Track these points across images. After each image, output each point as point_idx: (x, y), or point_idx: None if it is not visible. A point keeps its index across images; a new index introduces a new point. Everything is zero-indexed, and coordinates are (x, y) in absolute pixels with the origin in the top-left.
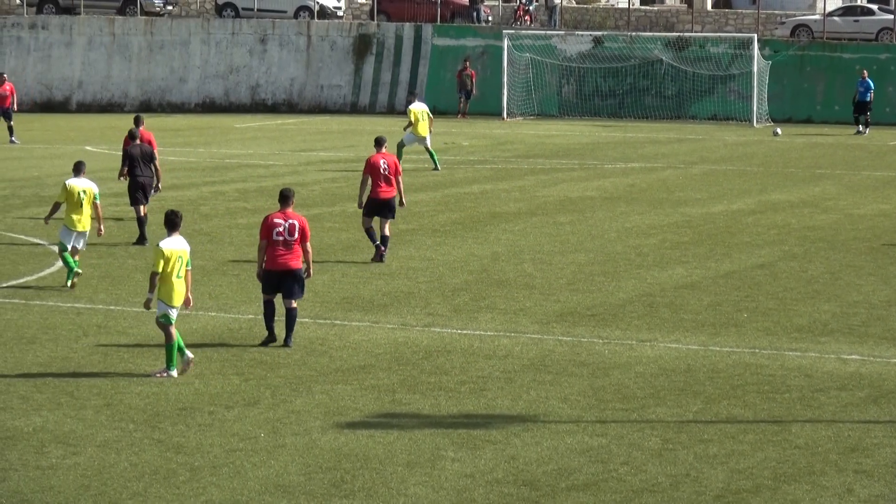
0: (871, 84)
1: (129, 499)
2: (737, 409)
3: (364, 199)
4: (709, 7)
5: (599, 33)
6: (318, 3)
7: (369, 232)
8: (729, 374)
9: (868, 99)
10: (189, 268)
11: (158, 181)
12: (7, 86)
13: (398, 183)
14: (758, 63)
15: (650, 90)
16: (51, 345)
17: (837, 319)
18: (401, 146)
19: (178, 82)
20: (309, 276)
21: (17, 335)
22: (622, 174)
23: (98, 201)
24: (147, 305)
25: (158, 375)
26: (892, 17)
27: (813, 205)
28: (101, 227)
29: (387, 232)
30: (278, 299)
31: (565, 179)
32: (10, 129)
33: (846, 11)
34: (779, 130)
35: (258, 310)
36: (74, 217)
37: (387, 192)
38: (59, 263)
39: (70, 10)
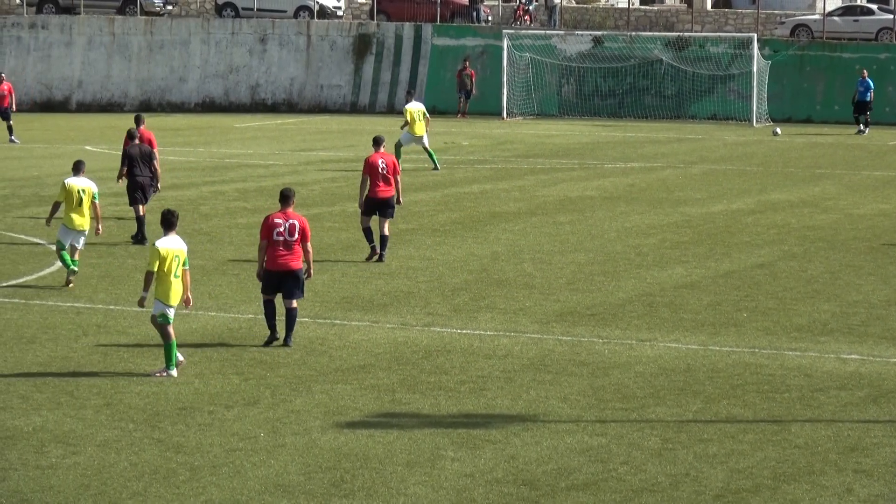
0: (871, 84)
1: (128, 498)
2: (737, 409)
3: (368, 199)
4: (708, 7)
5: (599, 33)
6: (317, 2)
7: (367, 232)
8: (729, 374)
9: (868, 99)
10: (186, 267)
11: (157, 181)
12: (5, 85)
13: (396, 182)
14: (757, 63)
15: (650, 90)
16: (51, 344)
17: (837, 319)
18: (398, 146)
19: (178, 82)
20: (309, 276)
21: (17, 335)
22: (622, 174)
23: (97, 201)
24: (141, 303)
25: (158, 375)
26: (891, 16)
27: (813, 204)
28: (100, 226)
29: (386, 231)
30: (278, 299)
31: (565, 179)
32: (10, 128)
33: (846, 11)
34: (778, 130)
35: (258, 310)
36: (73, 216)
37: (385, 191)
38: (59, 263)
39: (70, 10)
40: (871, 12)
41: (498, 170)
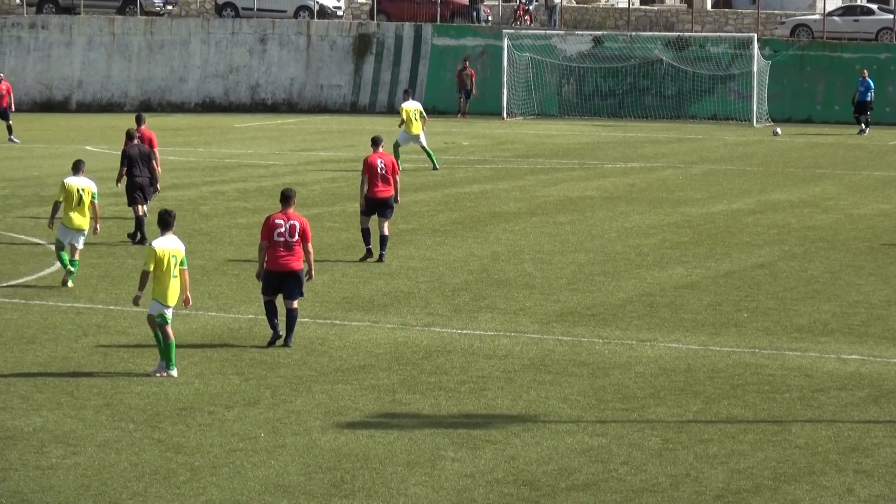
0: (872, 84)
1: (129, 499)
2: (737, 409)
3: (367, 199)
4: (709, 7)
5: (599, 33)
6: (317, 2)
7: (365, 233)
8: (729, 374)
9: (868, 99)
10: (184, 267)
11: (157, 182)
12: (3, 85)
13: (395, 182)
14: (758, 63)
15: (650, 90)
16: (51, 345)
17: (837, 319)
18: (397, 146)
19: (178, 82)
20: (311, 278)
21: (17, 335)
22: (622, 174)
23: (96, 200)
24: (135, 302)
25: (158, 375)
26: (891, 16)
27: (813, 205)
28: (98, 225)
29: (386, 231)
30: (279, 300)
31: (565, 179)
32: (10, 128)
33: (846, 11)
34: (779, 130)
35: (258, 310)
36: (72, 215)
37: (384, 191)
38: (59, 264)
39: (70, 10)
40: (871, 12)
41: (498, 170)
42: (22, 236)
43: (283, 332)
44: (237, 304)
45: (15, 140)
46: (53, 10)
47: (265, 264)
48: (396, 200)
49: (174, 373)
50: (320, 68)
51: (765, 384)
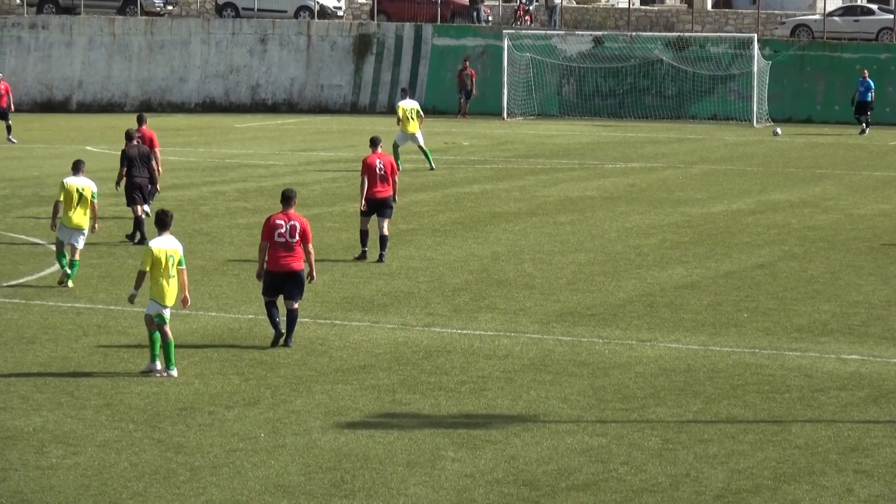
0: (872, 84)
1: (129, 499)
2: (737, 409)
3: (365, 200)
4: (709, 7)
5: (599, 33)
6: (318, 3)
7: (363, 234)
8: (729, 374)
9: (869, 99)
10: (182, 267)
11: (157, 181)
12: (2, 85)
13: (394, 182)
14: (758, 63)
15: (650, 90)
16: (51, 345)
17: (837, 319)
18: (396, 147)
19: (179, 82)
20: (313, 279)
21: (17, 335)
22: (622, 174)
23: (95, 200)
24: (130, 300)
25: (158, 375)
26: (892, 16)
27: (813, 205)
28: (96, 224)
29: (385, 231)
30: (279, 300)
31: (565, 179)
32: (9, 128)
33: (846, 11)
34: (779, 130)
35: (258, 310)
36: (71, 215)
37: (382, 191)
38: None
39: (70, 10)
40: (871, 12)
41: (498, 170)
42: (22, 236)
43: (283, 331)
44: (237, 304)
45: (12, 140)
46: (54, 10)
47: (266, 265)
48: (394, 200)
49: (174, 372)
50: (321, 68)
51: (765, 384)
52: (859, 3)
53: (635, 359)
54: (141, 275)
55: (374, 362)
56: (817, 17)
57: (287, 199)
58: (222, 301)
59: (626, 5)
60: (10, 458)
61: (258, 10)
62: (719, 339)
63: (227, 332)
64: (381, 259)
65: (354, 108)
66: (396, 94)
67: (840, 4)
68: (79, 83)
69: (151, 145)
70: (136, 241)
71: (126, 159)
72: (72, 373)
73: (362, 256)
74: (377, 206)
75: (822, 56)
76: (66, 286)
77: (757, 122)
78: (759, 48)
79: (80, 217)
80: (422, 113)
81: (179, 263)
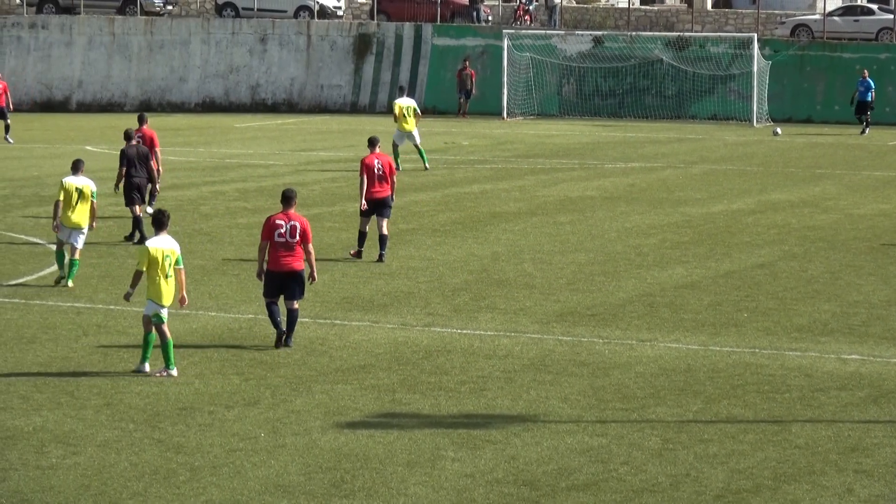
0: (872, 84)
1: (129, 499)
2: (737, 409)
3: (364, 200)
4: (709, 7)
5: (599, 33)
6: (318, 2)
7: (362, 235)
8: (729, 374)
9: (869, 99)
10: (180, 266)
11: (156, 181)
12: (0, 84)
13: (392, 182)
14: (758, 63)
15: (650, 90)
16: (51, 344)
17: (837, 319)
18: (395, 147)
19: (178, 82)
20: (314, 280)
21: (17, 335)
22: (622, 174)
23: (95, 199)
24: (126, 298)
25: (158, 375)
26: (892, 16)
27: (813, 204)
28: (94, 222)
29: (385, 231)
30: (280, 301)
31: (565, 179)
32: (7, 127)
33: (846, 11)
34: (779, 130)
35: (258, 310)
36: (70, 214)
37: (381, 191)
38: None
39: (70, 10)
40: (871, 12)
41: (498, 170)
42: (22, 236)
43: (284, 329)
44: (237, 304)
45: (9, 140)
46: (53, 10)
47: (267, 265)
48: (392, 200)
49: (174, 372)
50: (320, 68)
51: (765, 384)
52: (859, 3)
53: (635, 359)
54: (137, 274)
55: (374, 362)
56: (817, 16)
57: (287, 199)
58: (222, 301)
59: (626, 5)
60: (10, 458)
61: (258, 9)
62: (719, 339)
63: (227, 332)
64: (380, 259)
65: (354, 108)
66: (396, 94)
67: (840, 4)
68: (79, 83)
69: (152, 145)
70: (135, 240)
71: (125, 159)
72: (72, 373)
73: (357, 254)
74: (376, 206)
75: (822, 56)
76: (67, 286)
77: (757, 121)
78: (759, 48)
79: (80, 216)
80: (418, 111)
81: (177, 263)
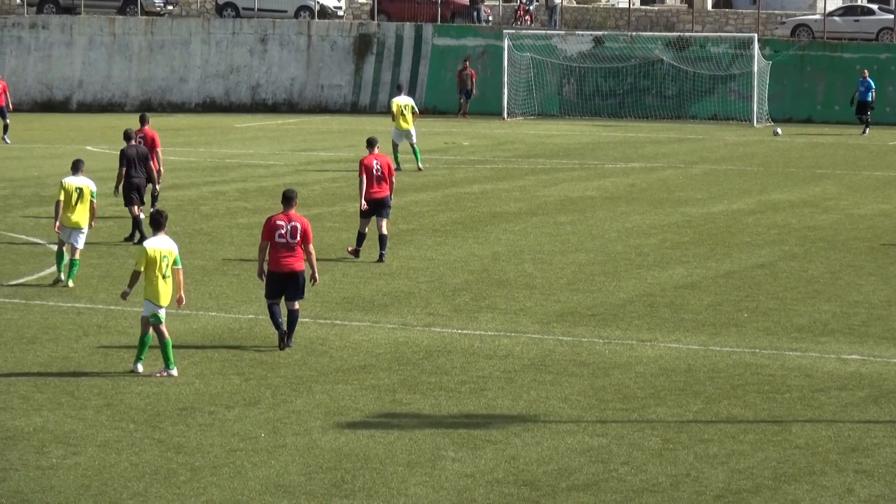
0: (872, 84)
1: (129, 499)
2: (737, 409)
3: (363, 201)
4: (709, 7)
5: (600, 33)
6: (318, 2)
7: (360, 236)
8: (729, 374)
9: (869, 98)
10: (178, 266)
11: (155, 182)
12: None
13: (391, 183)
14: (758, 63)
15: (650, 90)
16: (51, 345)
17: (838, 319)
18: (395, 147)
19: (179, 82)
20: (315, 281)
21: (18, 335)
22: (622, 174)
23: (95, 199)
24: (123, 297)
25: (158, 375)
26: (892, 16)
27: (813, 205)
28: (93, 222)
29: (384, 231)
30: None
31: (566, 179)
32: (6, 127)
33: (846, 11)
34: (779, 130)
35: (258, 310)
36: (69, 214)
37: (379, 192)
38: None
39: (70, 10)
40: (871, 12)
41: (499, 170)
42: (22, 236)
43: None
44: (237, 304)
45: (6, 140)
46: (54, 10)
47: (268, 265)
48: (390, 199)
49: (174, 372)
50: (321, 68)
51: (765, 384)
52: (859, 3)
53: (636, 359)
54: (135, 274)
55: (375, 362)
56: (817, 17)
57: (288, 199)
58: (222, 301)
59: (626, 5)
60: (11, 458)
61: (258, 9)
62: (720, 339)
63: (227, 332)
64: (381, 259)
65: (354, 108)
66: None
67: (840, 4)
68: (79, 83)
69: (153, 145)
70: (135, 241)
71: (124, 159)
72: (72, 373)
73: (355, 253)
74: (375, 207)
75: (822, 56)
76: (67, 286)
77: (757, 122)
78: (760, 48)
79: (79, 216)
80: (416, 109)
81: (175, 263)
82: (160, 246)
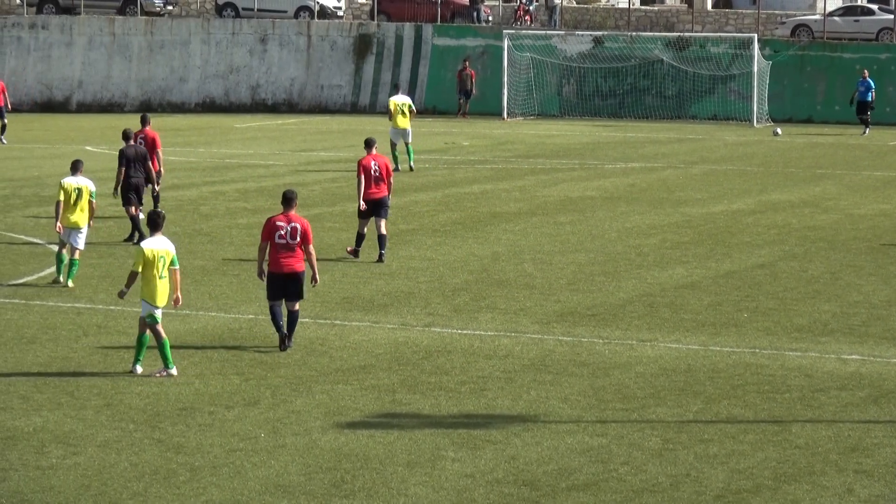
0: (872, 84)
1: (129, 499)
2: (737, 409)
3: (362, 201)
4: (709, 7)
5: (600, 33)
6: (318, 3)
7: (360, 236)
8: (729, 374)
9: (869, 98)
10: (175, 267)
11: (154, 182)
12: None
13: (389, 184)
14: (758, 63)
15: (650, 90)
16: (51, 345)
17: (838, 319)
18: (393, 147)
19: (179, 82)
20: (316, 282)
21: (17, 335)
22: (622, 174)
23: (94, 199)
24: (120, 296)
25: (158, 375)
26: (892, 16)
27: (813, 205)
28: (91, 221)
29: (383, 230)
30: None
31: (566, 179)
32: (3, 127)
33: (846, 11)
34: (779, 130)
35: (258, 310)
36: (68, 214)
37: (377, 192)
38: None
39: (70, 10)
40: (871, 12)
41: (498, 170)
42: (22, 236)
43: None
44: (237, 304)
45: (3, 141)
46: (54, 10)
47: (268, 266)
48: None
49: (174, 371)
50: (321, 68)
51: (765, 384)
52: (859, 3)
53: (635, 359)
54: (133, 275)
55: (375, 362)
56: (817, 17)
57: (288, 200)
58: (222, 301)
59: (626, 5)
60: (10, 458)
61: (258, 10)
62: (720, 339)
63: (227, 332)
64: (380, 259)
65: (354, 108)
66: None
67: (840, 4)
68: (79, 83)
69: (154, 146)
70: (135, 241)
71: (123, 159)
72: (72, 373)
73: (354, 253)
74: (374, 207)
75: (822, 56)
76: (67, 286)
77: (757, 122)
78: (760, 48)
79: (78, 216)
80: (413, 108)
81: (172, 264)
82: (157, 246)
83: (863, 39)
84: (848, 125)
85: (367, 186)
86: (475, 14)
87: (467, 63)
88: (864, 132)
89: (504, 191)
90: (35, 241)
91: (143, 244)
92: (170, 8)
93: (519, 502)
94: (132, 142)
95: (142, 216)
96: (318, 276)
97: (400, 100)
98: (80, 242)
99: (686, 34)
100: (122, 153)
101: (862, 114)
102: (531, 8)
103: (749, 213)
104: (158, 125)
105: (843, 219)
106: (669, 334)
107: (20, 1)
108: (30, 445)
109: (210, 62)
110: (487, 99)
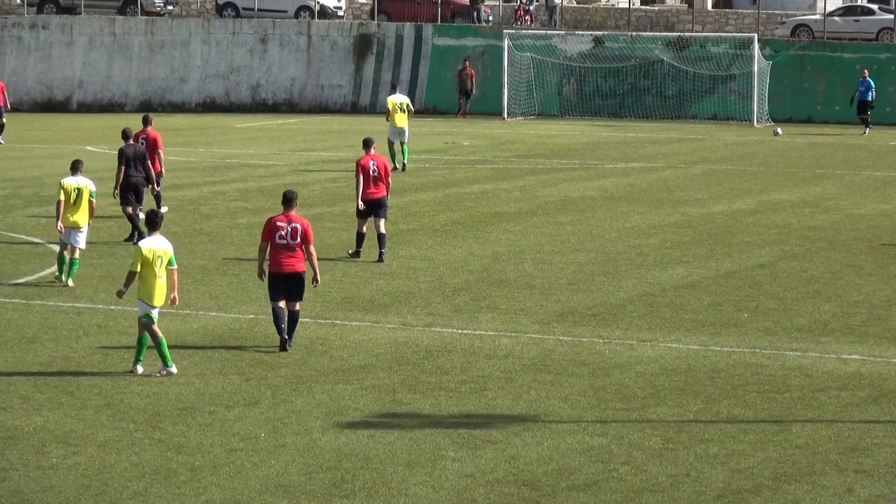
0: (873, 83)
1: (129, 499)
2: (737, 409)
3: (360, 202)
4: (709, 7)
5: (600, 33)
6: (318, 2)
7: (359, 237)
8: (729, 374)
9: (869, 98)
10: (173, 267)
11: (153, 181)
12: None
13: (387, 184)
14: (758, 63)
15: (651, 90)
16: (51, 345)
17: (838, 319)
18: (391, 146)
19: (179, 82)
20: (317, 283)
21: (18, 335)
22: (623, 174)
23: (94, 199)
24: (119, 295)
25: (158, 374)
26: (892, 16)
27: (813, 205)
28: (91, 220)
29: (383, 230)
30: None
31: (566, 179)
32: (1, 127)
33: (846, 11)
34: (779, 130)
35: (258, 310)
36: (68, 214)
37: (376, 192)
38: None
39: (70, 10)
40: (871, 12)
41: (499, 170)
42: (22, 236)
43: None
44: (237, 304)
45: (1, 142)
46: (54, 10)
47: (268, 267)
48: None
49: (173, 369)
50: (321, 68)
51: (765, 384)
52: (859, 3)
53: (636, 359)
54: (131, 275)
55: (375, 362)
56: (817, 17)
57: (288, 200)
58: (222, 301)
59: (626, 5)
60: (11, 458)
61: (258, 9)
62: (720, 339)
63: (228, 332)
64: (380, 258)
65: (355, 108)
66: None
67: (840, 4)
68: (79, 83)
69: (155, 147)
70: (135, 240)
71: (123, 158)
72: (72, 373)
73: (356, 254)
74: (372, 207)
75: (822, 56)
76: (67, 286)
77: (757, 122)
78: (760, 48)
79: (78, 216)
80: (411, 107)
81: (170, 263)
82: (156, 246)
83: (863, 39)
84: (848, 125)
85: (366, 186)
86: (475, 14)
87: (467, 63)
88: (865, 132)
89: (504, 191)
90: (35, 240)
91: (142, 244)
92: (170, 8)
93: (519, 502)
94: (132, 141)
95: (141, 215)
96: (319, 277)
97: (398, 99)
98: (81, 241)
99: (686, 34)
100: (121, 152)
101: (862, 114)
102: (531, 8)
103: (749, 213)
104: (159, 125)
105: (844, 219)
106: (669, 334)
107: (20, 1)
108: (30, 445)
109: (210, 62)
110: (487, 99)
